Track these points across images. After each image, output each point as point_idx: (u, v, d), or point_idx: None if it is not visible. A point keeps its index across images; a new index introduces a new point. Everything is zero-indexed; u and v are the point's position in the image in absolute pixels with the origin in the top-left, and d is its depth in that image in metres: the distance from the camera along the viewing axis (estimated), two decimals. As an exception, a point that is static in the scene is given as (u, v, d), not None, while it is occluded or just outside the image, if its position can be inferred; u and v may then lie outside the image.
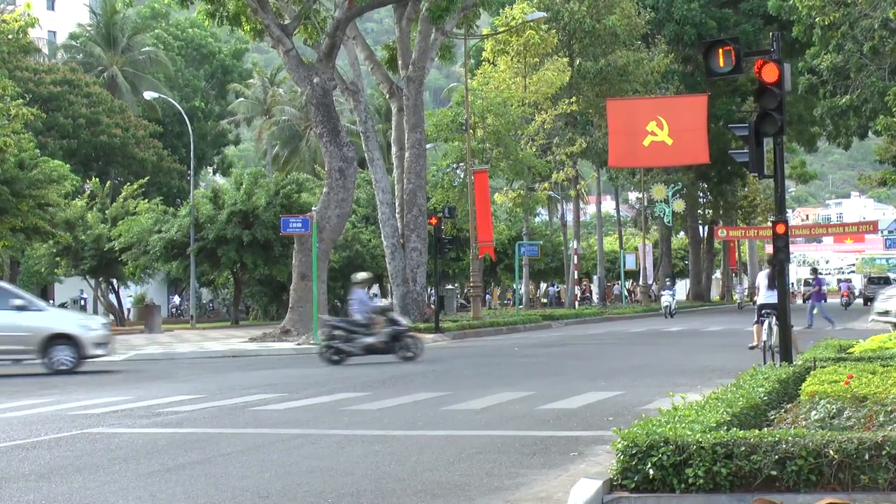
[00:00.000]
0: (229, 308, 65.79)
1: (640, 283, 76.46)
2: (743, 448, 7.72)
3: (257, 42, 41.82)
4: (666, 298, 55.49)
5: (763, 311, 20.02)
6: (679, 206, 71.03)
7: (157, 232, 51.22)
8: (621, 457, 7.92)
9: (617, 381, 18.64)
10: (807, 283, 72.67)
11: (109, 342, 26.37)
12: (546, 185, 58.35)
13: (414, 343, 25.69)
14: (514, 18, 52.19)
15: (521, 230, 61.15)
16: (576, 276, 65.44)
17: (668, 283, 58.32)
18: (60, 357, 25.06)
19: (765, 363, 17.15)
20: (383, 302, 29.93)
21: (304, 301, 35.21)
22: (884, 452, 7.60)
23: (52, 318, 25.81)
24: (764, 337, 19.96)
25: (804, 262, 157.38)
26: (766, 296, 21.40)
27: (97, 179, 60.55)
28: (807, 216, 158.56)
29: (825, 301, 41.63)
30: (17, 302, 25.39)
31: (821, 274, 46.83)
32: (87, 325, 26.04)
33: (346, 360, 25.18)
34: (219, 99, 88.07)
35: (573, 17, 57.33)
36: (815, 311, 39.59)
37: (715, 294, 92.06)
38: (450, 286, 72.77)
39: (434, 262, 41.54)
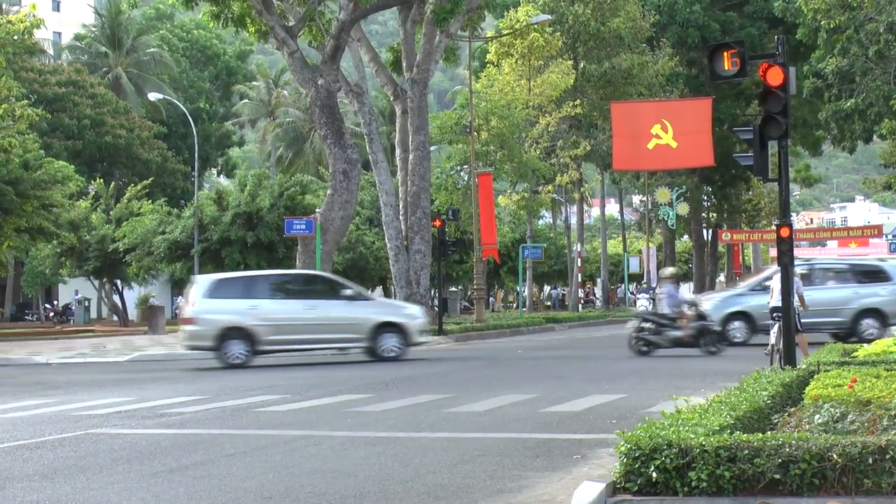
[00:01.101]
0: (233, 309, 65.71)
1: (645, 285, 76.38)
2: (746, 451, 7.71)
3: (262, 44, 41.90)
4: (642, 303, 53.02)
5: (774, 315, 19.98)
6: (683, 209, 71.00)
7: (161, 233, 51.20)
8: (624, 459, 7.92)
9: (620, 384, 18.63)
10: None
11: (427, 331, 28.15)
12: (550, 187, 58.32)
13: (718, 339, 26.61)
14: (518, 21, 52.23)
15: (525, 233, 61.12)
16: (579, 279, 65.42)
17: (643, 286, 55.41)
18: (388, 345, 26.44)
19: (771, 366, 17.15)
20: (692, 297, 31.22)
21: (308, 303, 35.14)
22: (887, 456, 7.59)
23: (379, 308, 27.79)
24: (772, 340, 19.94)
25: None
26: (779, 299, 21.34)
27: (101, 180, 60.57)
28: (811, 220, 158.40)
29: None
30: (348, 293, 27.14)
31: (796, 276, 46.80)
32: (412, 314, 27.46)
33: (653, 351, 26.07)
34: (223, 100, 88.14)
35: (577, 20, 57.33)
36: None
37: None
38: (453, 288, 72.78)
39: (437, 264, 41.53)
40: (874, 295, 29.78)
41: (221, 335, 25.63)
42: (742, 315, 29.35)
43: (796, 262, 32.42)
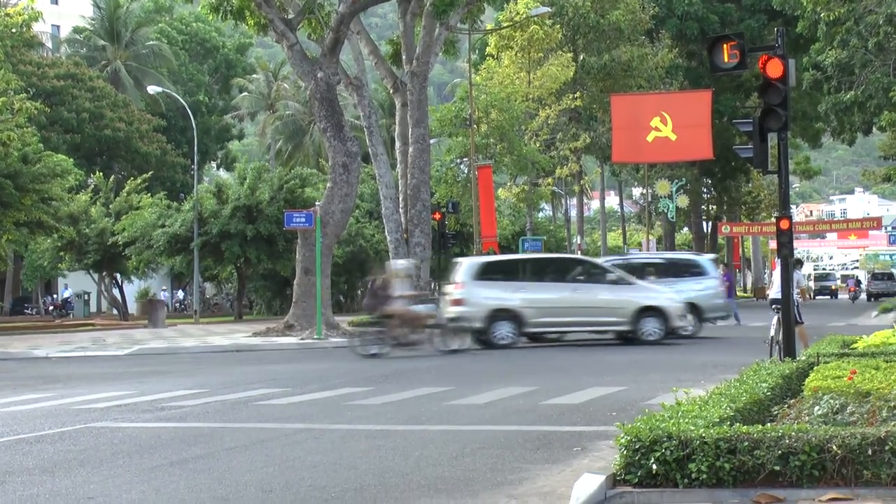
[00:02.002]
0: (233, 303, 65.81)
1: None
2: (746, 443, 7.72)
3: (261, 36, 41.87)
4: None
5: (774, 306, 19.98)
6: (683, 201, 71.03)
7: (161, 226, 51.22)
8: (624, 452, 7.93)
9: (620, 377, 18.63)
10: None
11: (685, 314, 28.53)
12: (550, 180, 58.31)
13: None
14: (518, 13, 52.16)
15: (525, 225, 61.11)
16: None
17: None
18: (649, 328, 27.14)
19: (770, 357, 17.15)
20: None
21: (308, 296, 35.20)
22: (887, 448, 7.60)
23: (641, 292, 28.01)
24: (772, 332, 19.95)
25: (808, 257, 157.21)
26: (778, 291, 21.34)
27: (101, 174, 60.57)
28: (811, 212, 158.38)
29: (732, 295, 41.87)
30: (612, 277, 27.90)
31: (728, 269, 46.96)
32: (673, 299, 27.91)
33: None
34: (222, 93, 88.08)
35: (577, 13, 57.30)
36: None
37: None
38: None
39: (437, 257, 41.53)
40: (690, 290, 29.51)
41: (490, 317, 26.80)
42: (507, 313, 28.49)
43: (610, 259, 32.36)
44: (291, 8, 37.63)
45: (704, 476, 7.68)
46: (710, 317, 29.77)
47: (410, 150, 40.42)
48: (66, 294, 67.21)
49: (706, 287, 29.88)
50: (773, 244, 70.40)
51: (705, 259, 31.50)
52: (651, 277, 30.25)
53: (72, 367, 25.51)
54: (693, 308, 29.05)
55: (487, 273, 27.89)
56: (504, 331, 26.91)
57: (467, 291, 27.17)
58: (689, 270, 30.52)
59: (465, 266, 28.32)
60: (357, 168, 36.86)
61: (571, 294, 27.47)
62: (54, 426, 13.51)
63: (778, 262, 17.76)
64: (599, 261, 31.30)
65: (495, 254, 56.98)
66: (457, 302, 27.29)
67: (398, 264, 27.84)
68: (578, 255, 32.85)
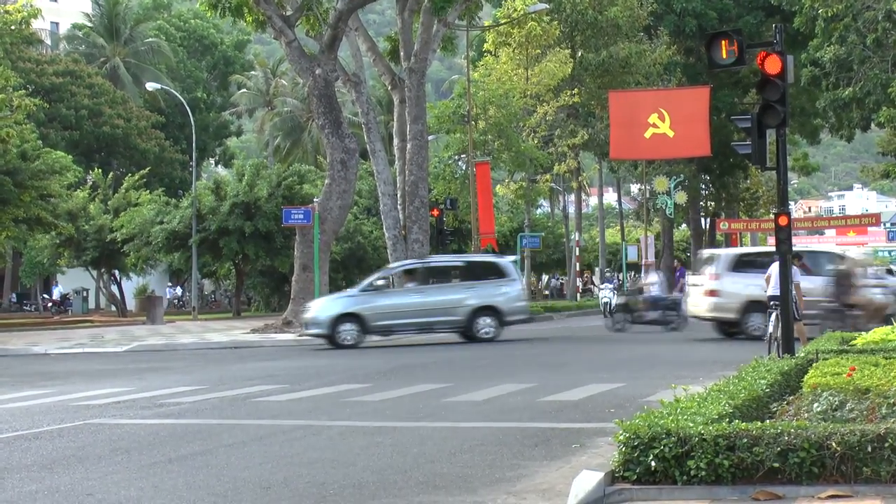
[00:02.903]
0: (231, 299, 65.83)
1: (642, 274, 76.36)
2: (745, 440, 7.72)
3: (259, 33, 41.82)
4: (605, 294, 47.34)
5: (772, 303, 19.95)
6: (681, 198, 70.95)
7: (159, 223, 51.23)
8: (623, 448, 7.92)
9: (618, 373, 18.64)
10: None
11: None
12: (548, 176, 58.30)
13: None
14: (515, 10, 52.14)
15: (523, 222, 61.11)
16: (577, 268, 65.43)
17: (607, 276, 52.47)
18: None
19: (768, 354, 17.16)
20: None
21: (306, 292, 35.20)
22: (886, 445, 7.59)
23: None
24: (770, 329, 19.93)
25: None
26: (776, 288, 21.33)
27: (99, 170, 60.55)
28: (809, 208, 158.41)
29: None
30: None
31: (683, 267, 46.52)
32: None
33: None
34: (221, 90, 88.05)
35: (575, 9, 57.24)
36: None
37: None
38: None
39: (436, 253, 41.51)
40: (491, 293, 29.03)
41: (745, 308, 27.14)
42: (352, 316, 28.40)
43: (406, 264, 32.10)
44: (290, 5, 37.61)
45: (703, 473, 7.68)
46: (511, 320, 28.96)
47: (408, 146, 40.40)
48: (56, 293, 67.25)
49: (507, 290, 29.05)
50: (771, 241, 70.50)
51: (506, 261, 30.42)
52: (447, 281, 29.64)
53: (70, 363, 25.52)
54: (493, 311, 28.62)
55: (742, 265, 28.25)
56: (758, 322, 26.79)
57: (722, 283, 27.84)
58: (490, 273, 29.55)
59: (721, 258, 29.20)
60: (355, 165, 36.86)
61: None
62: (53, 423, 13.51)
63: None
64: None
65: (493, 250, 57.15)
66: (711, 293, 27.99)
67: (858, 256, 28.65)
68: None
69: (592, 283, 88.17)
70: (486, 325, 28.52)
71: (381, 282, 30.20)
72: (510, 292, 29.18)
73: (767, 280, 21.75)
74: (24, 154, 42.32)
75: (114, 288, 59.94)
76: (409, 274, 30.48)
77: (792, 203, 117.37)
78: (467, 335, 28.71)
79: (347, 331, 28.21)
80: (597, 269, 57.32)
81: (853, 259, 26.78)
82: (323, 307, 29.24)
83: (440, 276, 30.12)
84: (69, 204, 50.83)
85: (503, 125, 49.06)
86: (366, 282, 30.83)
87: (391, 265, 34.50)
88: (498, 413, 13.71)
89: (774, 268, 21.05)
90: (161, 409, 14.87)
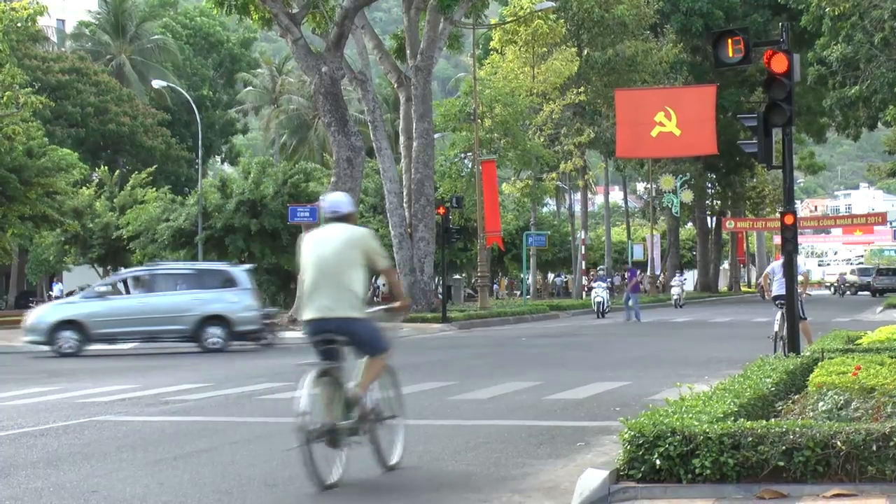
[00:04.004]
0: (237, 297, 65.82)
1: (648, 273, 76.42)
2: (750, 439, 7.71)
3: (265, 31, 41.84)
4: (598, 293, 49.79)
5: (777, 302, 19.93)
6: (687, 196, 70.99)
7: (165, 220, 51.26)
8: (628, 447, 7.92)
9: (623, 372, 18.63)
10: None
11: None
12: (554, 175, 58.31)
13: None
14: (522, 8, 52.13)
15: (529, 220, 61.11)
16: (583, 267, 65.40)
17: (601, 274, 53.07)
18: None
19: (774, 353, 17.14)
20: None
21: (312, 290, 35.16)
22: (891, 443, 7.59)
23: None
24: (776, 327, 19.90)
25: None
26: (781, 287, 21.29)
27: (105, 168, 60.65)
28: (815, 207, 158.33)
29: (638, 293, 41.90)
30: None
31: (635, 268, 46.63)
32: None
33: None
34: (227, 88, 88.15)
35: (581, 7, 57.25)
36: (630, 303, 40.14)
37: (723, 285, 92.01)
38: (457, 276, 72.78)
39: (441, 251, 41.52)
40: (219, 301, 27.91)
41: None
42: (72, 324, 27.26)
43: (134, 269, 31.56)
44: (296, 2, 37.62)
45: (708, 471, 7.67)
46: (241, 330, 27.94)
47: (414, 144, 40.43)
48: (57, 290, 67.30)
49: (237, 299, 27.94)
50: (777, 239, 70.43)
51: (238, 269, 29.39)
52: (174, 288, 28.48)
53: (76, 360, 25.53)
54: (222, 321, 27.70)
55: None
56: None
57: None
58: (221, 281, 28.47)
59: None
60: (361, 162, 36.86)
61: None
62: (59, 420, 13.52)
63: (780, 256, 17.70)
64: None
65: (499, 249, 57.16)
66: None
67: None
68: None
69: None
70: (213, 335, 27.41)
71: (104, 288, 29.24)
72: (240, 301, 27.93)
73: (766, 279, 21.70)
74: (30, 151, 42.39)
75: (120, 285, 59.96)
76: (137, 281, 29.49)
77: (798, 202, 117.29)
78: (202, 346, 27.54)
79: (66, 338, 27.12)
80: (600, 267, 57.30)
81: None
82: (43, 314, 28.35)
83: (169, 283, 28.77)
84: (75, 201, 50.90)
85: (509, 123, 49.07)
86: (90, 288, 30.10)
87: (120, 272, 33.80)
88: (503, 411, 13.71)
89: (776, 267, 21.06)
90: (167, 407, 14.88)
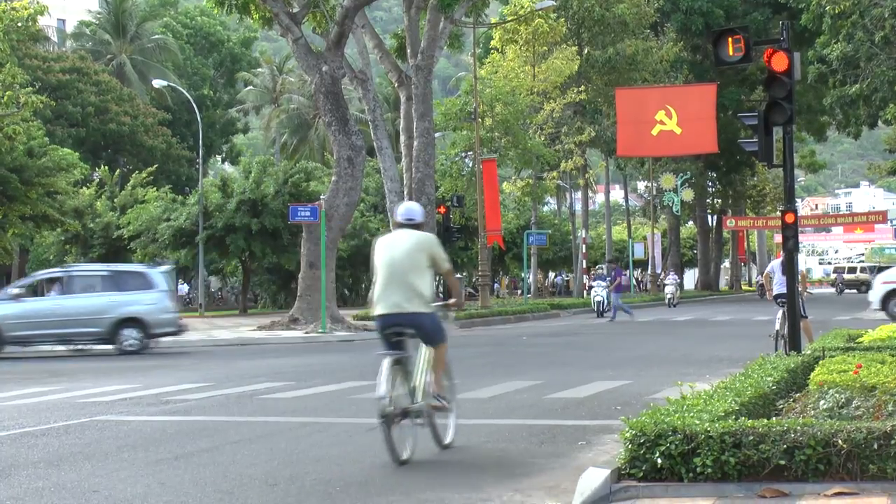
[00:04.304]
0: (238, 296, 65.94)
1: (649, 272, 76.41)
2: (751, 437, 7.71)
3: (266, 30, 41.82)
4: (598, 293, 49.87)
5: (779, 300, 19.92)
6: (688, 195, 70.98)
7: (166, 220, 51.30)
8: (629, 446, 7.92)
9: (624, 371, 18.63)
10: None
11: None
12: (554, 174, 58.31)
13: None
14: (522, 7, 52.13)
15: (530, 219, 61.13)
16: (584, 266, 65.41)
17: (600, 273, 50.54)
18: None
19: (775, 351, 17.14)
20: None
21: (313, 290, 35.23)
22: (893, 442, 7.58)
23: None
24: (777, 326, 19.90)
25: (813, 251, 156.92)
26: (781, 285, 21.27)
27: (106, 167, 60.68)
28: (816, 206, 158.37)
29: (621, 292, 41.71)
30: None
31: (618, 265, 46.42)
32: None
33: None
34: (227, 87, 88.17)
35: (582, 6, 57.25)
36: (616, 303, 40.10)
37: (723, 283, 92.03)
38: (458, 275, 72.68)
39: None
40: (135, 303, 27.66)
41: None
42: None
43: (50, 270, 31.21)
44: (296, 2, 37.61)
45: (709, 470, 7.67)
46: (157, 332, 27.87)
47: (415, 143, 40.42)
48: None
49: (154, 301, 27.72)
50: (778, 238, 70.40)
51: (154, 271, 28.90)
52: (89, 290, 28.08)
53: (77, 360, 25.56)
54: (138, 323, 27.52)
55: None
56: None
57: None
58: (137, 283, 28.14)
59: None
60: (362, 162, 36.87)
61: None
62: (60, 419, 13.53)
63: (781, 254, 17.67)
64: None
65: (500, 248, 57.07)
66: None
67: None
68: None
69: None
70: (129, 336, 27.31)
71: (17, 290, 28.71)
72: (157, 303, 27.76)
73: (767, 278, 21.68)
74: (30, 151, 42.39)
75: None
76: (53, 282, 29.30)
77: (799, 200, 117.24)
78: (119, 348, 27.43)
79: None
80: (599, 266, 57.21)
81: None
82: None
83: (85, 285, 28.39)
84: (76, 201, 50.92)
85: (510, 122, 49.07)
86: (4, 290, 29.83)
87: (36, 273, 33.57)
88: (504, 410, 13.71)
89: (776, 266, 21.06)
90: (167, 406, 14.89)
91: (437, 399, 10.39)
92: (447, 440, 10.68)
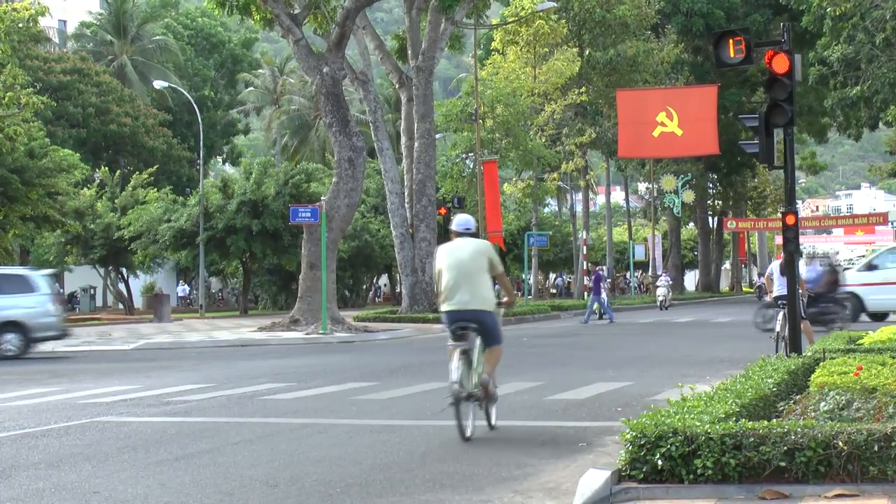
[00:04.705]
0: (238, 297, 65.92)
1: (649, 273, 76.39)
2: (752, 439, 7.71)
3: (267, 31, 41.84)
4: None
5: (779, 302, 19.92)
6: (689, 196, 70.94)
7: (167, 221, 51.30)
8: (630, 447, 7.92)
9: (625, 372, 18.63)
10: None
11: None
12: (555, 175, 58.32)
13: None
14: (523, 8, 52.15)
15: (531, 220, 61.13)
16: (585, 267, 65.40)
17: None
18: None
19: (775, 353, 17.14)
20: None
21: (313, 291, 35.24)
22: (893, 444, 7.59)
23: None
24: (777, 327, 19.89)
25: (814, 253, 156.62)
26: (782, 287, 21.27)
27: (107, 168, 60.68)
28: (817, 207, 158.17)
29: (603, 295, 41.54)
30: None
31: (600, 269, 46.25)
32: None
33: None
34: (228, 88, 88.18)
35: (583, 7, 57.25)
36: (595, 307, 40.02)
37: (724, 285, 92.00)
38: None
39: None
40: (15, 307, 26.81)
41: None
42: None
43: None
44: (297, 3, 37.63)
45: (710, 472, 7.68)
46: (39, 336, 27.19)
47: (416, 144, 40.44)
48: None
49: (34, 304, 26.95)
50: (778, 239, 70.41)
51: (36, 274, 28.26)
52: None
53: (77, 361, 25.57)
54: (18, 327, 26.78)
55: None
56: None
57: None
58: (16, 286, 27.28)
59: None
60: (362, 163, 36.88)
61: None
62: (60, 420, 13.53)
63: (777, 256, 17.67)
64: None
65: (500, 249, 56.89)
66: None
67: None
68: None
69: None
70: (8, 341, 26.70)
71: None
72: (38, 307, 27.07)
73: (768, 280, 21.66)
74: (31, 152, 42.39)
75: (121, 286, 60.02)
76: None
77: (799, 202, 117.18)
78: None
79: None
80: (599, 267, 57.06)
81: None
82: None
83: None
84: (76, 202, 50.90)
85: (511, 124, 49.09)
86: None
87: None
88: (504, 411, 13.69)
89: (775, 267, 21.06)
90: (168, 407, 14.89)
91: (487, 385, 11.61)
92: (493, 422, 11.96)
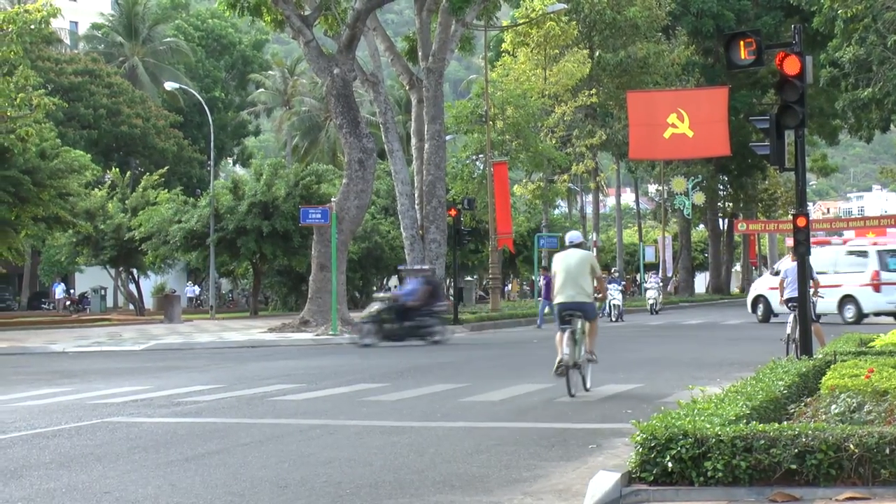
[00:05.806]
0: (248, 298, 65.97)
1: (659, 275, 76.27)
2: (762, 441, 7.70)
3: (277, 33, 41.88)
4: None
5: (790, 305, 19.88)
6: (699, 198, 70.83)
7: (178, 222, 51.35)
8: (640, 449, 7.91)
9: (635, 374, 18.61)
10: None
11: None
12: (566, 177, 58.27)
13: None
14: (534, 10, 52.11)
15: (541, 222, 61.07)
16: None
17: (614, 276, 48.49)
18: None
19: (786, 355, 17.10)
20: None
21: (323, 292, 35.24)
22: (904, 447, 7.57)
23: None
24: (788, 330, 19.84)
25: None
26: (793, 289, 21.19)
27: (117, 169, 60.76)
28: (828, 209, 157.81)
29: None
30: None
31: (548, 272, 45.61)
32: None
33: None
34: (239, 89, 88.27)
35: (594, 9, 57.22)
36: (546, 311, 39.51)
37: (734, 287, 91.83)
38: (468, 278, 72.80)
39: (453, 253, 41.51)
40: None
41: None
42: None
43: None
44: (308, 4, 37.65)
45: (720, 474, 7.66)
46: None
47: (426, 146, 40.41)
48: (59, 292, 67.50)
49: None
50: (789, 241, 70.35)
51: None
52: None
53: (88, 361, 25.60)
54: None
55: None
56: None
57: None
58: None
59: None
60: (373, 164, 36.88)
61: None
62: (71, 421, 13.55)
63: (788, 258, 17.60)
64: None
65: (509, 251, 57.01)
66: None
67: None
68: None
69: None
70: None
71: None
72: None
73: (781, 284, 21.59)
74: (43, 153, 42.49)
75: (132, 286, 60.11)
76: None
77: (810, 204, 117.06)
78: None
79: None
80: (613, 269, 56.44)
81: None
82: None
83: None
84: (87, 203, 51.01)
85: (521, 125, 49.04)
86: None
87: None
88: (514, 413, 13.71)
89: (789, 271, 21.00)
90: (178, 408, 14.90)
91: (590, 355, 15.66)
92: (588, 386, 15.68)
